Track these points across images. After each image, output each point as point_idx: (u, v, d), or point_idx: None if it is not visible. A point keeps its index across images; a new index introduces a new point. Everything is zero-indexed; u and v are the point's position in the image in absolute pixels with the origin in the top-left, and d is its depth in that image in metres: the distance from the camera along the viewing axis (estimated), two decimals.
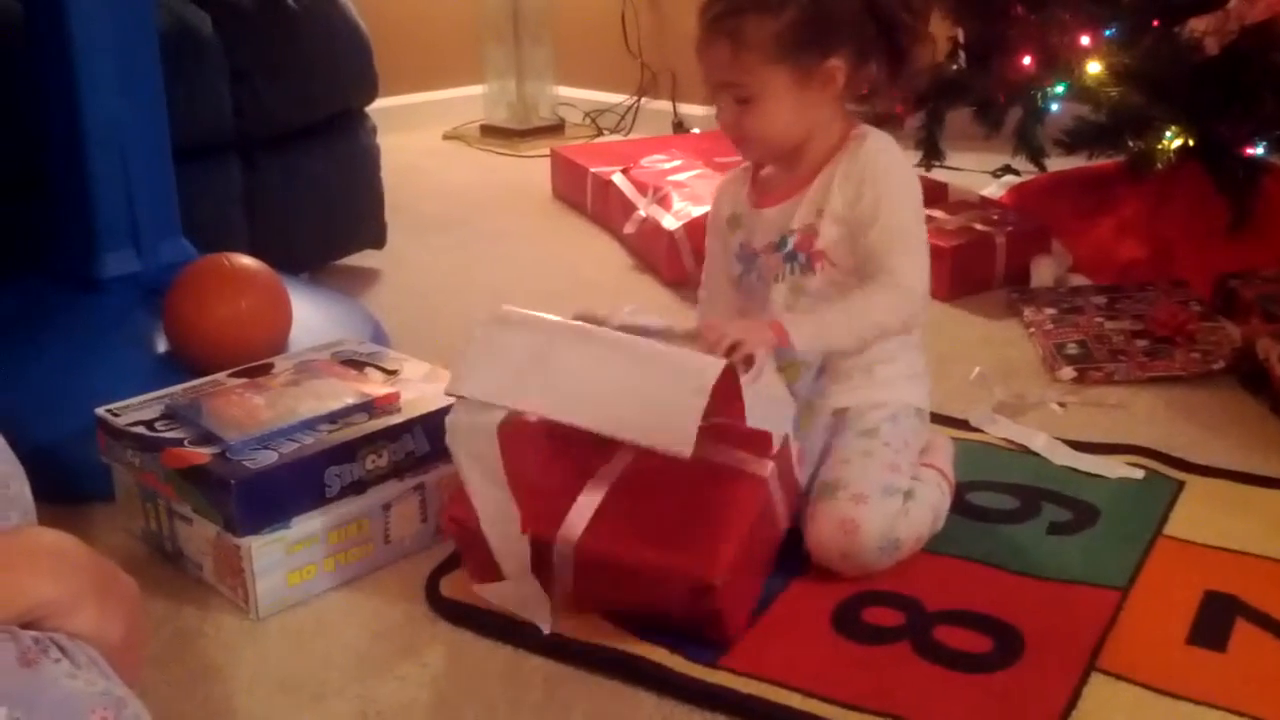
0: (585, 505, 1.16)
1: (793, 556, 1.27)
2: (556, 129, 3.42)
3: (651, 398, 1.14)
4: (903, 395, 1.35)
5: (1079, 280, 2.09)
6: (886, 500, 1.24)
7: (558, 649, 1.17)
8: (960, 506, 1.37)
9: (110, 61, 1.62)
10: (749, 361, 1.22)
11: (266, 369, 1.46)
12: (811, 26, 1.26)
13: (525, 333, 1.20)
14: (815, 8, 1.26)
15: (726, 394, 1.16)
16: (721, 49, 1.28)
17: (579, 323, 1.24)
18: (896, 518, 1.25)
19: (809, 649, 1.17)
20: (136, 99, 1.66)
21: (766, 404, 1.23)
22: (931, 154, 2.43)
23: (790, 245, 1.35)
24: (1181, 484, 1.45)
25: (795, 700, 1.10)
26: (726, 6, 1.28)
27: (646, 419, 1.13)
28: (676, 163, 2.50)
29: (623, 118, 3.45)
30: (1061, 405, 1.67)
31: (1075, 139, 2.17)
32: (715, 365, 1.14)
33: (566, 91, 3.52)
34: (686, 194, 2.30)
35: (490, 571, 1.20)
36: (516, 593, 1.19)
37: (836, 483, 1.26)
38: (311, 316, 1.71)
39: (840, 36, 1.27)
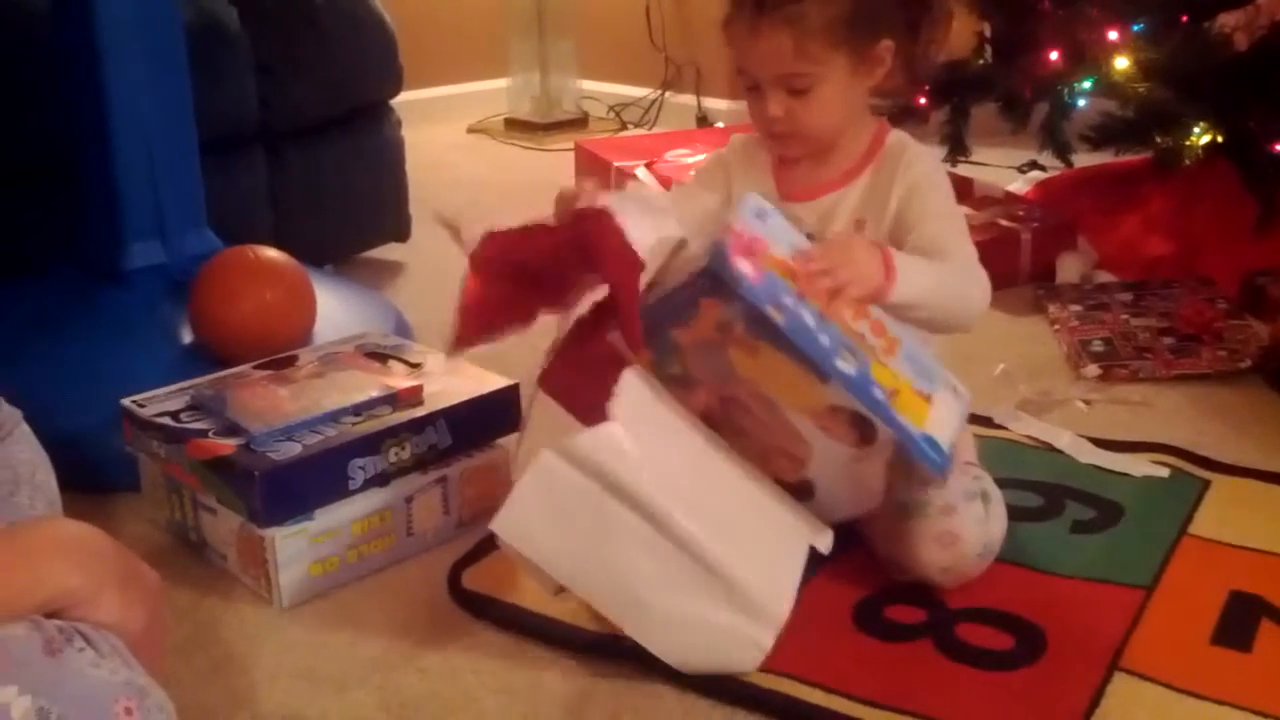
0: None
1: (812, 553, 1.27)
2: (580, 123, 3.42)
3: (707, 626, 1.09)
4: None
5: (1105, 277, 2.08)
6: (972, 506, 1.21)
7: (579, 642, 1.18)
8: None
9: (137, 54, 1.63)
10: (849, 303, 1.12)
11: (291, 361, 1.46)
12: (868, 7, 1.20)
13: (583, 482, 1.09)
14: None
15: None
16: (782, 38, 1.19)
17: (644, 468, 1.09)
18: (985, 521, 1.22)
19: (830, 646, 1.17)
20: (162, 92, 1.67)
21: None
22: (957, 149, 2.41)
23: None
24: (1207, 483, 1.44)
25: (817, 697, 1.10)
26: None
27: (697, 655, 1.10)
28: (700, 157, 2.50)
29: (646, 111, 3.44)
30: (1086, 403, 1.66)
31: (1102, 135, 2.15)
32: (785, 602, 1.10)
33: (590, 85, 3.52)
34: None
35: None
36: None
37: (923, 499, 1.21)
38: (336, 309, 1.72)
39: (891, 16, 1.23)
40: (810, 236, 1.18)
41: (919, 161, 1.27)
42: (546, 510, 1.09)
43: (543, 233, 1.15)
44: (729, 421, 1.16)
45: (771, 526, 1.16)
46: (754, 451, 1.17)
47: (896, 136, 1.30)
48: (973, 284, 1.23)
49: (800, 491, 1.19)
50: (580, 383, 1.15)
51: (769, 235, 1.11)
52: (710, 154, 1.40)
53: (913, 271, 1.16)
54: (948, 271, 1.20)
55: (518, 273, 1.16)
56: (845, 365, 1.09)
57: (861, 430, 1.12)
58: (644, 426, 1.12)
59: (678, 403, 1.16)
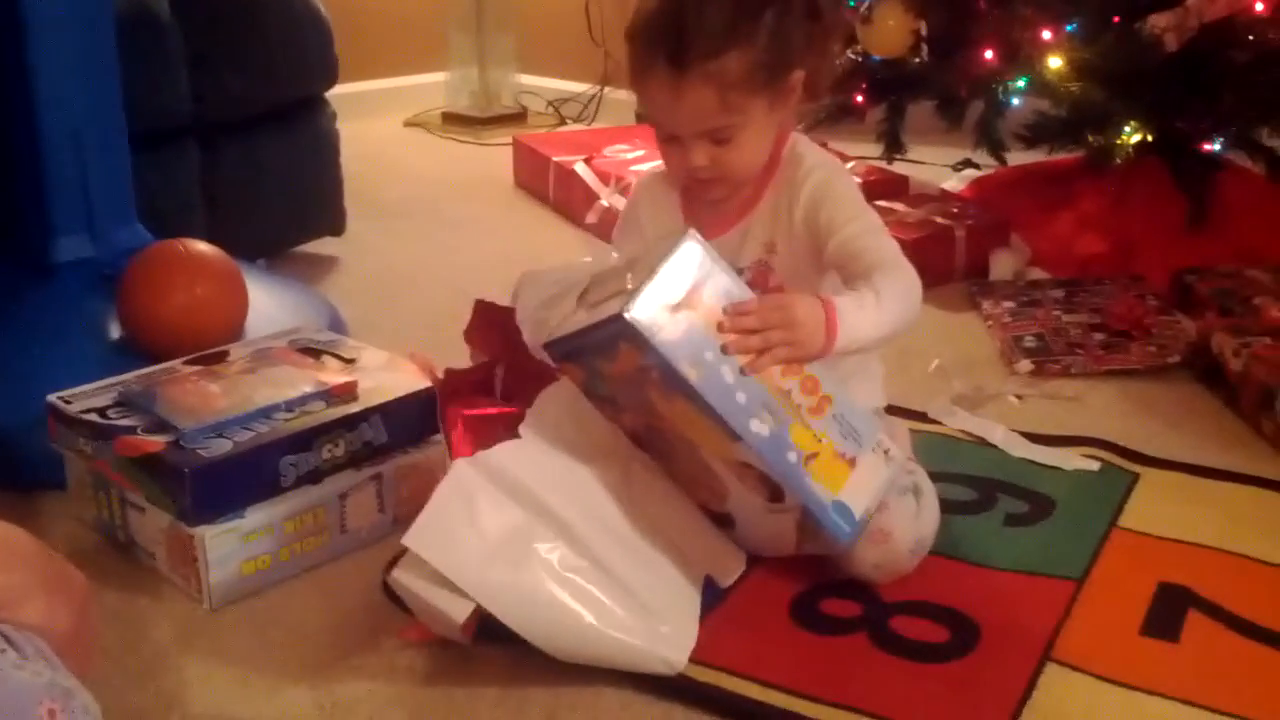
0: None
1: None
2: (519, 117, 3.41)
3: (619, 644, 1.10)
4: (872, 398, 1.33)
5: (1037, 274, 2.11)
6: (904, 501, 1.22)
7: (516, 638, 1.17)
8: None
9: (66, 44, 1.60)
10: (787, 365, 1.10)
11: (222, 356, 1.44)
12: (780, 44, 1.18)
13: (506, 503, 1.11)
14: (779, 24, 1.18)
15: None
16: (703, 94, 1.16)
17: (568, 498, 1.13)
18: (917, 517, 1.22)
19: (767, 640, 1.17)
20: (91, 82, 1.63)
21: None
22: (892, 147, 2.43)
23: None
24: (1136, 476, 1.46)
25: (753, 690, 1.10)
26: (702, 47, 1.15)
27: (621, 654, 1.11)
28: (639, 153, 2.50)
29: (585, 107, 3.44)
30: (1019, 398, 1.68)
31: (1036, 133, 2.18)
32: (685, 642, 1.12)
33: (529, 80, 3.51)
34: None
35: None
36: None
37: None
38: (268, 303, 1.70)
39: (798, 47, 1.21)
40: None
41: (814, 172, 1.24)
42: (462, 521, 1.10)
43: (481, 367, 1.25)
44: (655, 445, 1.18)
45: (673, 552, 1.19)
46: (683, 475, 1.20)
47: (791, 147, 1.27)
48: (908, 292, 1.19)
49: (722, 521, 1.23)
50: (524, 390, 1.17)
51: (710, 285, 1.08)
52: (623, 209, 1.41)
53: (854, 318, 1.13)
54: (885, 295, 1.16)
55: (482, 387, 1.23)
56: (759, 426, 1.08)
57: (772, 489, 1.15)
58: (559, 443, 1.15)
59: (603, 421, 1.18)
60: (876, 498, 1.16)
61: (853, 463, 1.14)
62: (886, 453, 1.17)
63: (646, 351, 1.05)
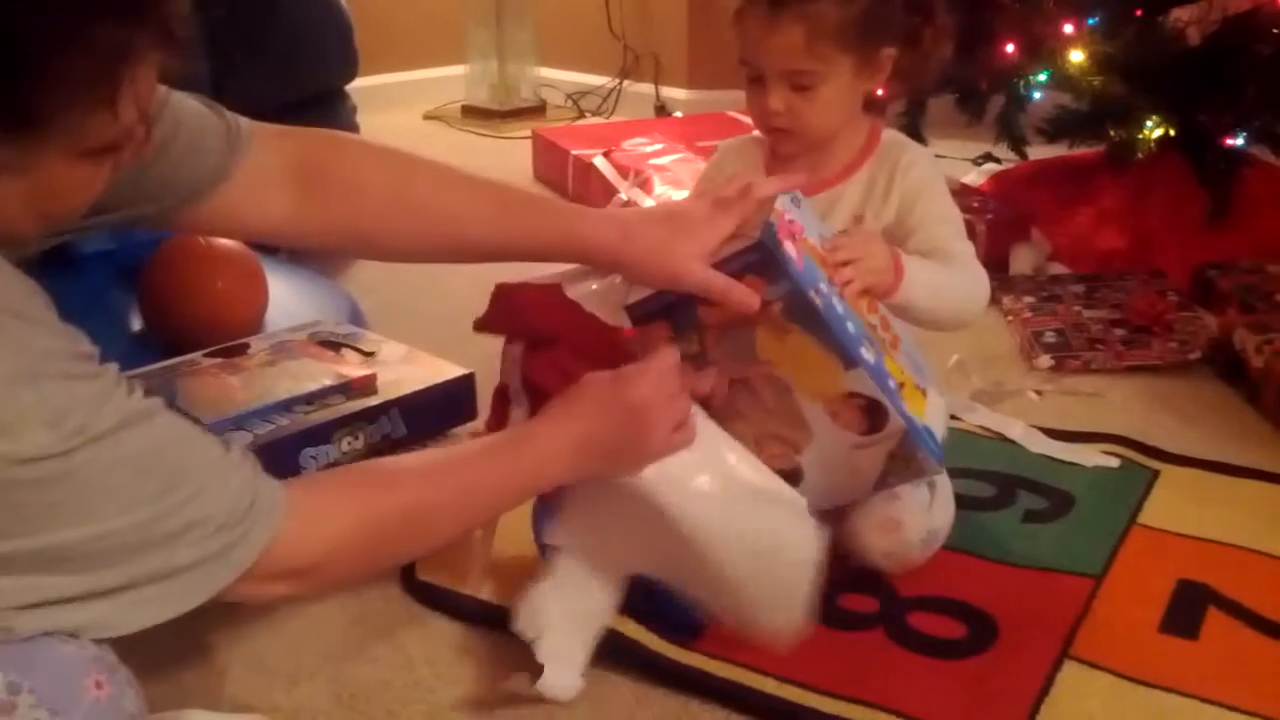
0: None
1: None
2: (538, 110, 3.41)
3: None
4: None
5: (1058, 269, 2.10)
6: (917, 492, 1.22)
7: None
8: None
9: None
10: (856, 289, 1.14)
11: (242, 349, 1.45)
12: (879, 13, 1.21)
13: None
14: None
15: None
16: (793, 34, 1.19)
17: None
18: (929, 508, 1.23)
19: None
20: None
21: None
22: (913, 140, 2.42)
23: None
24: (1156, 473, 1.45)
25: (769, 685, 1.10)
26: None
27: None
28: (658, 146, 2.49)
29: (605, 100, 3.44)
30: (1039, 393, 1.67)
31: (1057, 128, 2.17)
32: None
33: (548, 73, 3.51)
34: (668, 178, 2.29)
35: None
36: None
37: None
38: (288, 297, 1.71)
39: (896, 25, 1.24)
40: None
41: (918, 163, 1.27)
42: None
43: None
44: (729, 405, 1.17)
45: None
46: (756, 433, 1.18)
47: (892, 135, 1.31)
48: (975, 285, 1.25)
49: (787, 477, 1.19)
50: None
51: (803, 221, 1.13)
52: (704, 168, 1.42)
53: (919, 273, 1.19)
54: (951, 274, 1.22)
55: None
56: (868, 353, 1.11)
57: (872, 419, 1.14)
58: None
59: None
60: (944, 429, 1.21)
61: (924, 392, 1.18)
62: (940, 390, 1.22)
63: (778, 282, 1.07)
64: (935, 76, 1.32)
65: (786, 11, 1.19)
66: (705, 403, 1.17)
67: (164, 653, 1.18)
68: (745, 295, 1.08)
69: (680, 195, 2.19)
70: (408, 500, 0.96)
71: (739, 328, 1.12)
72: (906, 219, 1.25)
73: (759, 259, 1.07)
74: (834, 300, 1.10)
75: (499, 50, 3.40)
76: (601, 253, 1.13)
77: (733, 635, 1.13)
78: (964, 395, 1.63)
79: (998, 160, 2.58)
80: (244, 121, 1.09)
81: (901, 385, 1.14)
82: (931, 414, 1.18)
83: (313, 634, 1.20)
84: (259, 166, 1.07)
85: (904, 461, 1.16)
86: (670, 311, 1.13)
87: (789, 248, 1.07)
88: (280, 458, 1.27)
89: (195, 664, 1.16)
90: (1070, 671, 1.11)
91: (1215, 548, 1.30)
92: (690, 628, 1.16)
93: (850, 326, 1.10)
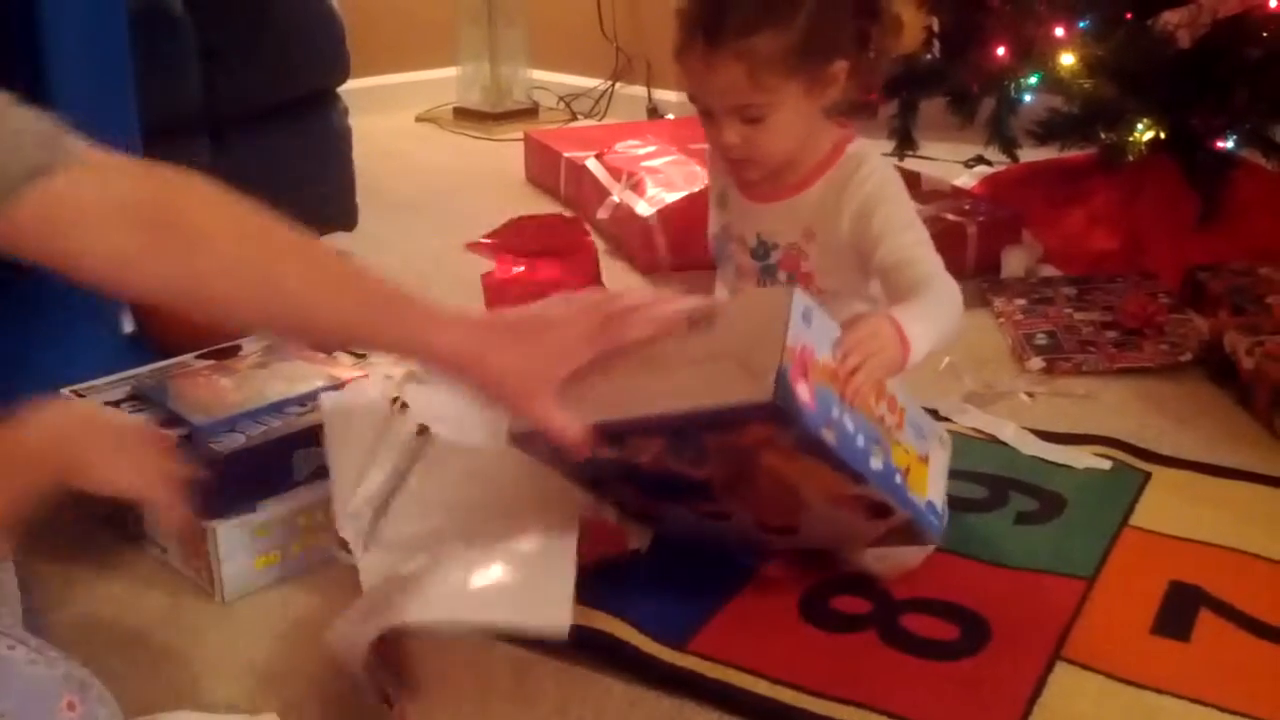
0: None
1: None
2: (530, 112, 3.41)
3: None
4: None
5: (1049, 271, 2.10)
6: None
7: (525, 633, 1.17)
8: None
9: (79, 39, 1.60)
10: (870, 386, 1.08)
11: (234, 351, 1.45)
12: (820, 31, 1.19)
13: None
14: (821, 12, 1.19)
15: None
16: (734, 70, 1.18)
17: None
18: None
19: (777, 636, 1.17)
20: (105, 78, 1.63)
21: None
22: (905, 144, 2.42)
23: (772, 260, 1.31)
24: (1148, 475, 1.45)
25: (762, 687, 1.10)
26: (736, 24, 1.17)
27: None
28: (651, 148, 2.49)
29: (597, 102, 3.44)
30: (1030, 395, 1.68)
31: (1048, 130, 2.18)
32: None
33: (540, 75, 3.51)
34: (660, 180, 2.30)
35: None
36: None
37: None
38: None
39: (843, 37, 1.22)
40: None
41: (873, 176, 1.26)
42: None
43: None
44: (729, 488, 1.13)
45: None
46: (749, 501, 1.15)
47: (856, 148, 1.29)
48: (954, 303, 1.22)
49: (779, 531, 1.19)
50: None
51: (814, 339, 1.04)
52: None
53: (919, 330, 1.13)
54: (936, 304, 1.19)
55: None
56: (876, 463, 1.08)
57: (876, 511, 1.13)
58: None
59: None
60: (944, 483, 1.19)
61: (926, 460, 1.16)
62: (940, 439, 1.20)
63: (788, 429, 1.01)
64: (890, 70, 1.31)
65: (723, 50, 1.18)
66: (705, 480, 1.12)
67: (154, 653, 1.18)
68: (576, 444, 1.04)
69: (673, 197, 2.20)
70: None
71: (742, 450, 1.05)
72: (868, 229, 1.24)
73: (767, 414, 1.00)
74: (846, 422, 1.05)
75: (491, 52, 3.40)
76: (449, 368, 1.05)
77: (725, 637, 1.13)
78: (955, 397, 1.63)
79: (989, 163, 2.58)
80: (81, 139, 0.99)
81: (907, 470, 1.12)
82: (934, 478, 1.16)
83: (303, 636, 1.20)
84: (96, 186, 0.98)
85: (905, 535, 1.17)
86: (661, 433, 1.06)
87: (801, 391, 1.00)
88: (273, 459, 1.27)
89: (185, 666, 1.16)
90: (1062, 672, 1.11)
91: (1207, 549, 1.31)
92: (679, 629, 1.15)
93: (860, 441, 1.06)
